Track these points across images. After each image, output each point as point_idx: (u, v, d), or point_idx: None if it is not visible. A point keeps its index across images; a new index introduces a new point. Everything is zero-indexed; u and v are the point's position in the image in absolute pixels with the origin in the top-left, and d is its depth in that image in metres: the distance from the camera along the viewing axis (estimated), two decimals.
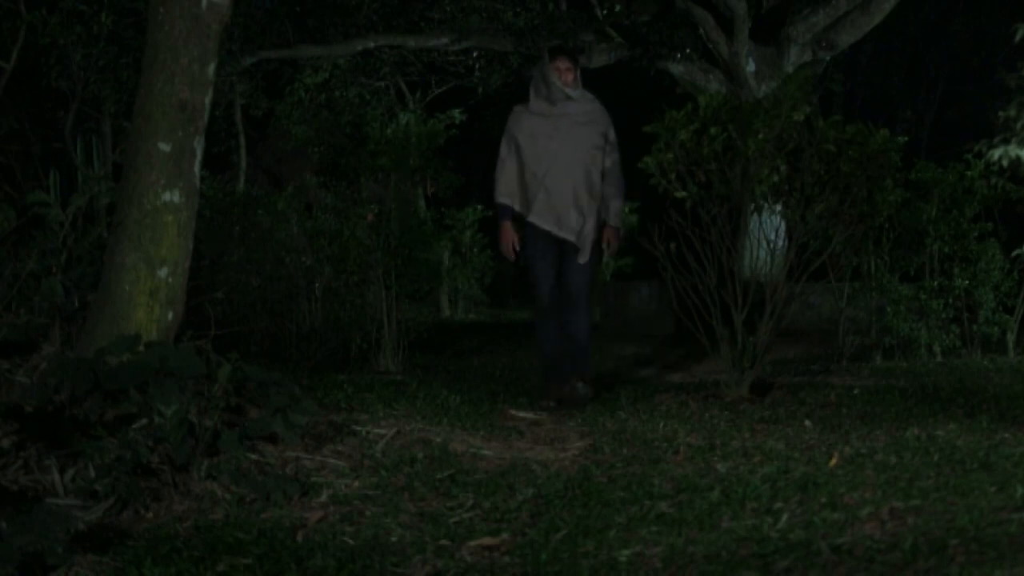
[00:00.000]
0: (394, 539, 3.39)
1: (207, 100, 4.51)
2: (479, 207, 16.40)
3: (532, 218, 6.10)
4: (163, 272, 4.36)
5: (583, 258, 6.06)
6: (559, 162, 6.07)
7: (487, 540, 3.35)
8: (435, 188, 8.39)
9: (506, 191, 6.19)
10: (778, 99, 5.97)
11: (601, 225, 6.18)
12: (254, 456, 4.06)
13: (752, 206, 6.21)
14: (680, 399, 5.94)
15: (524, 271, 6.38)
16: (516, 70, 15.91)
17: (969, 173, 7.82)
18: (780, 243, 6.29)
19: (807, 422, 5.09)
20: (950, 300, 7.82)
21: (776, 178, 5.98)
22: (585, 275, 6.11)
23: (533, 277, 6.17)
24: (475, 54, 17.12)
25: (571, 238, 6.05)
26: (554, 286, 6.13)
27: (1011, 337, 7.86)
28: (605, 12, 14.88)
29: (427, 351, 8.79)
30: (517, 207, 6.18)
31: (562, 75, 6.17)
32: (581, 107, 6.18)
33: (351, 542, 3.35)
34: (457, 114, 12.24)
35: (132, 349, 4.08)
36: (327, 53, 15.55)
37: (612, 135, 6.23)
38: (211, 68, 4.51)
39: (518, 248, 6.20)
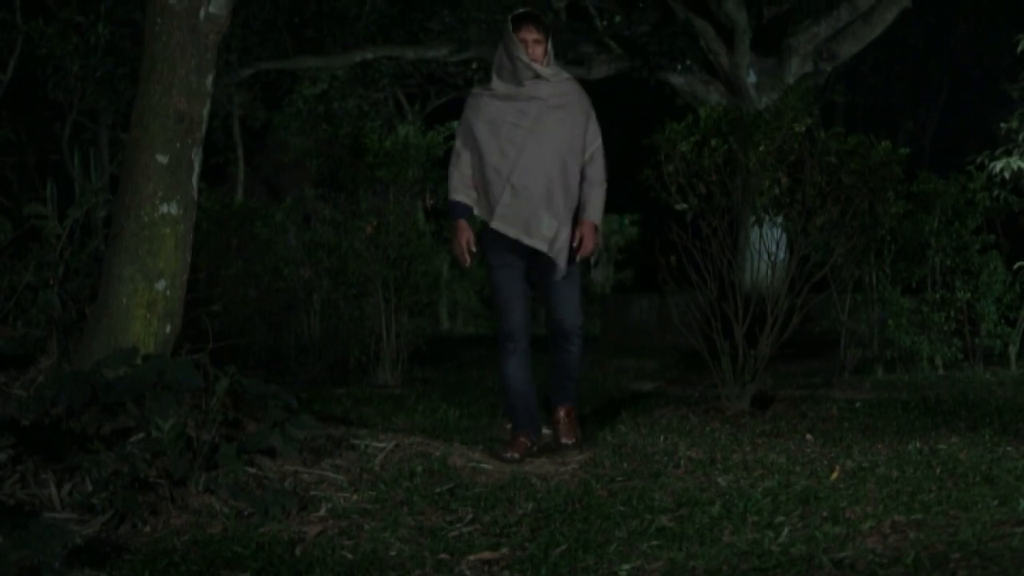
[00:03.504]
0: (393, 553, 3.37)
1: (205, 111, 4.51)
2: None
3: (496, 224, 4.97)
4: (160, 285, 4.35)
5: (559, 274, 4.97)
6: (528, 155, 4.93)
7: (487, 554, 3.34)
8: (434, 200, 8.36)
9: (460, 186, 5.10)
10: (779, 110, 5.98)
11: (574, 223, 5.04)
12: (252, 470, 4.05)
13: (753, 218, 6.21)
14: (681, 413, 5.92)
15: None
16: None
17: (971, 185, 7.82)
18: (781, 255, 6.28)
19: (808, 436, 5.08)
20: (952, 313, 7.81)
21: (777, 190, 5.99)
22: (572, 293, 5.06)
23: (497, 298, 5.08)
24: (474, 65, 17.13)
25: (542, 247, 4.91)
26: (525, 308, 5.04)
27: (1013, 350, 7.86)
28: (605, 23, 14.88)
29: (426, 364, 8.78)
30: (475, 207, 5.10)
31: (529, 48, 4.94)
32: (554, 87, 5.02)
33: (350, 556, 3.34)
34: (456, 125, 12.23)
35: (129, 362, 4.07)
36: (325, 64, 15.55)
37: (594, 120, 5.14)
38: (209, 79, 4.50)
39: (474, 249, 5.06)
